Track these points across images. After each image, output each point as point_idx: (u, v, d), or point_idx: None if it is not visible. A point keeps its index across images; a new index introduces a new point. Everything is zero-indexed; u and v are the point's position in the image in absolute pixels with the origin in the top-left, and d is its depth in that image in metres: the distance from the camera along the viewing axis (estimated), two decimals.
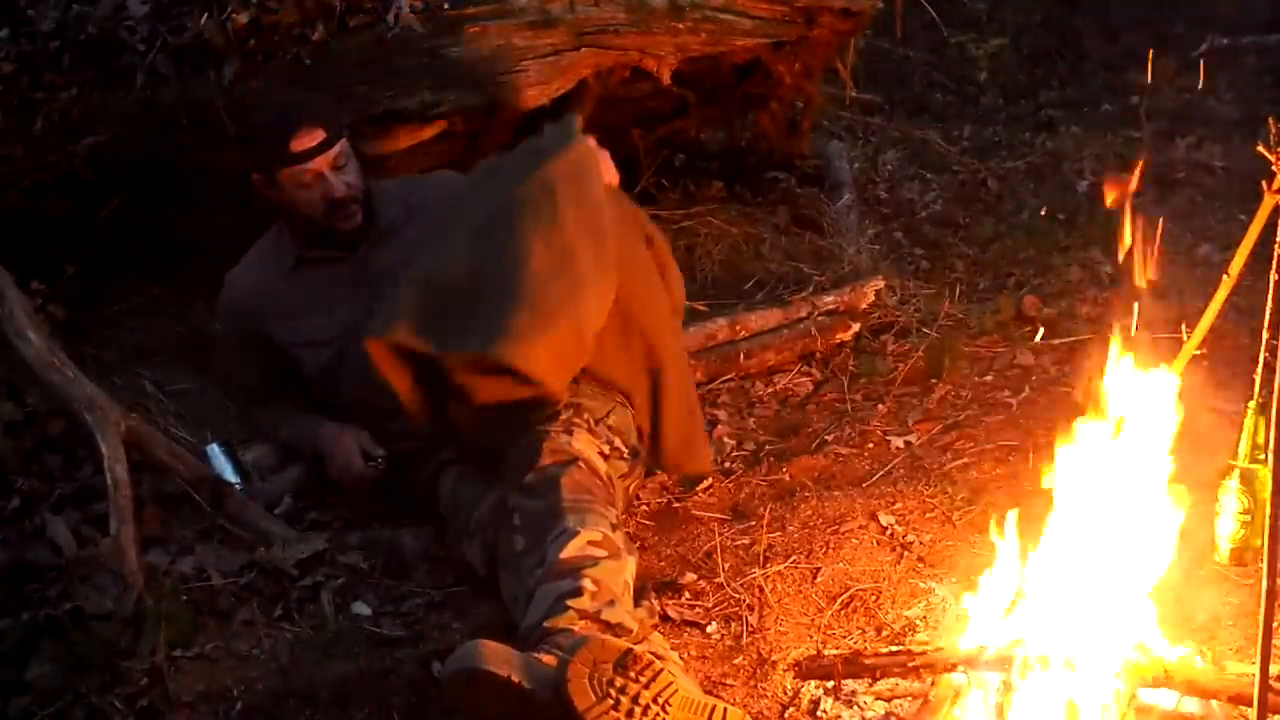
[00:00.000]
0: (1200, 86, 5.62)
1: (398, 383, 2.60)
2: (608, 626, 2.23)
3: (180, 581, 2.57)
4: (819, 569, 2.67)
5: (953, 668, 2.18)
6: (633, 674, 2.07)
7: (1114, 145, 5.14)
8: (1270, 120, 2.28)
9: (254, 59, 3.03)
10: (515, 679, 2.08)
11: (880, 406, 3.38)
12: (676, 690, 2.09)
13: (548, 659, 2.13)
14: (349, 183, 2.85)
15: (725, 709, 2.12)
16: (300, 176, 2.81)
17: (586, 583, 2.28)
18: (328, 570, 2.67)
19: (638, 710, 2.05)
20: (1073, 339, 3.63)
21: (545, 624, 2.22)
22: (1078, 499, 2.27)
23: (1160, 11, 6.49)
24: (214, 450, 2.95)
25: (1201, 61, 5.87)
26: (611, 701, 2.04)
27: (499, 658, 2.10)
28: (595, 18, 3.40)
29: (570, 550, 2.33)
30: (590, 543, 2.35)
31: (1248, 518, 2.57)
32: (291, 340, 2.95)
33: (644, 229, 2.86)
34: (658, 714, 2.06)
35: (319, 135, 2.80)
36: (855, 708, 2.27)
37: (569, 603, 2.24)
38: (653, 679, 2.08)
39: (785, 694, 2.33)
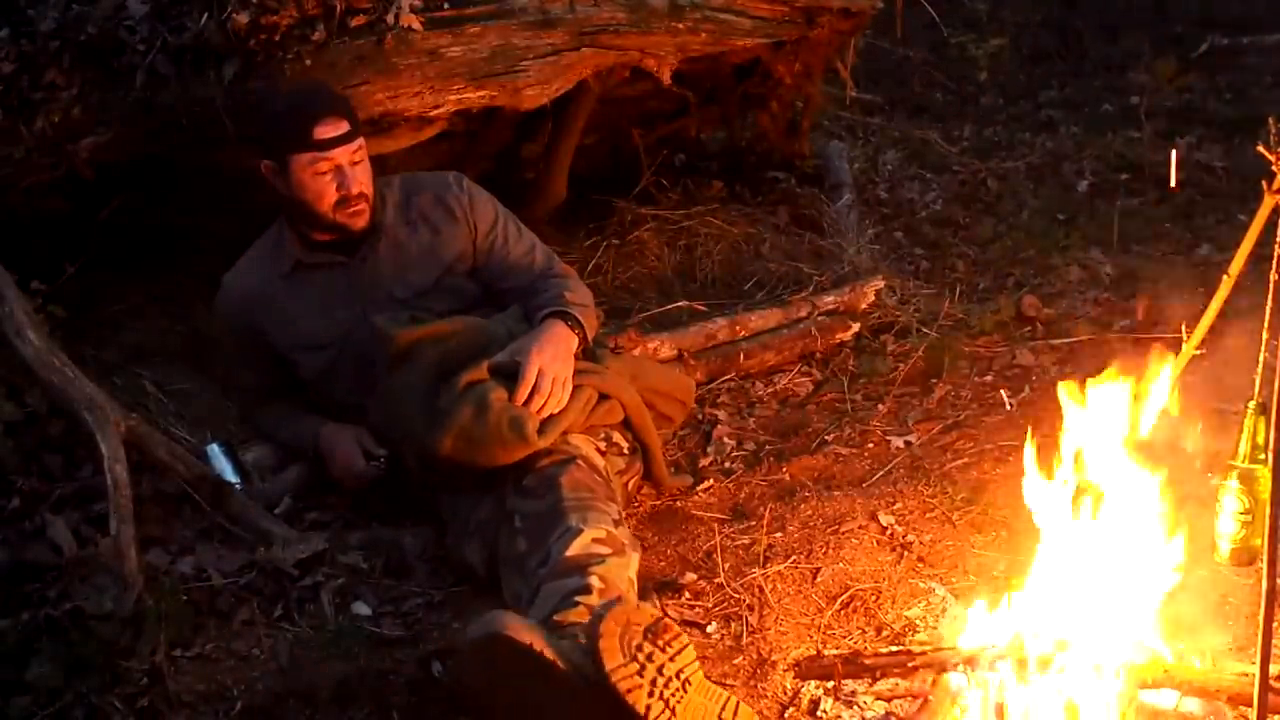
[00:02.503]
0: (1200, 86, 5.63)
1: None
2: None
3: (180, 581, 2.56)
4: (819, 569, 2.67)
5: (953, 668, 2.18)
6: (660, 643, 2.05)
7: (1114, 145, 5.14)
8: (1270, 120, 2.28)
9: (254, 59, 3.03)
10: (537, 647, 2.06)
11: (880, 406, 3.38)
12: (698, 670, 2.08)
13: (572, 628, 2.12)
14: (363, 180, 2.82)
15: (737, 703, 2.11)
16: (318, 165, 2.77)
17: (594, 580, 2.28)
18: (328, 570, 2.66)
19: (661, 681, 2.03)
20: (1073, 339, 3.63)
21: (555, 618, 2.22)
22: (1078, 501, 2.27)
23: (1160, 11, 6.50)
24: (214, 450, 2.95)
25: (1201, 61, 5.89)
26: (638, 666, 2.02)
27: (522, 626, 2.09)
28: (595, 18, 3.40)
29: (575, 548, 2.33)
30: (595, 540, 2.35)
31: (1248, 518, 2.56)
32: (288, 343, 2.95)
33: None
34: (678, 690, 2.04)
35: (343, 125, 2.78)
36: (855, 708, 2.27)
37: (578, 598, 2.24)
38: (678, 653, 2.06)
39: (785, 694, 2.33)
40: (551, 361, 2.70)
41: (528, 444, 2.58)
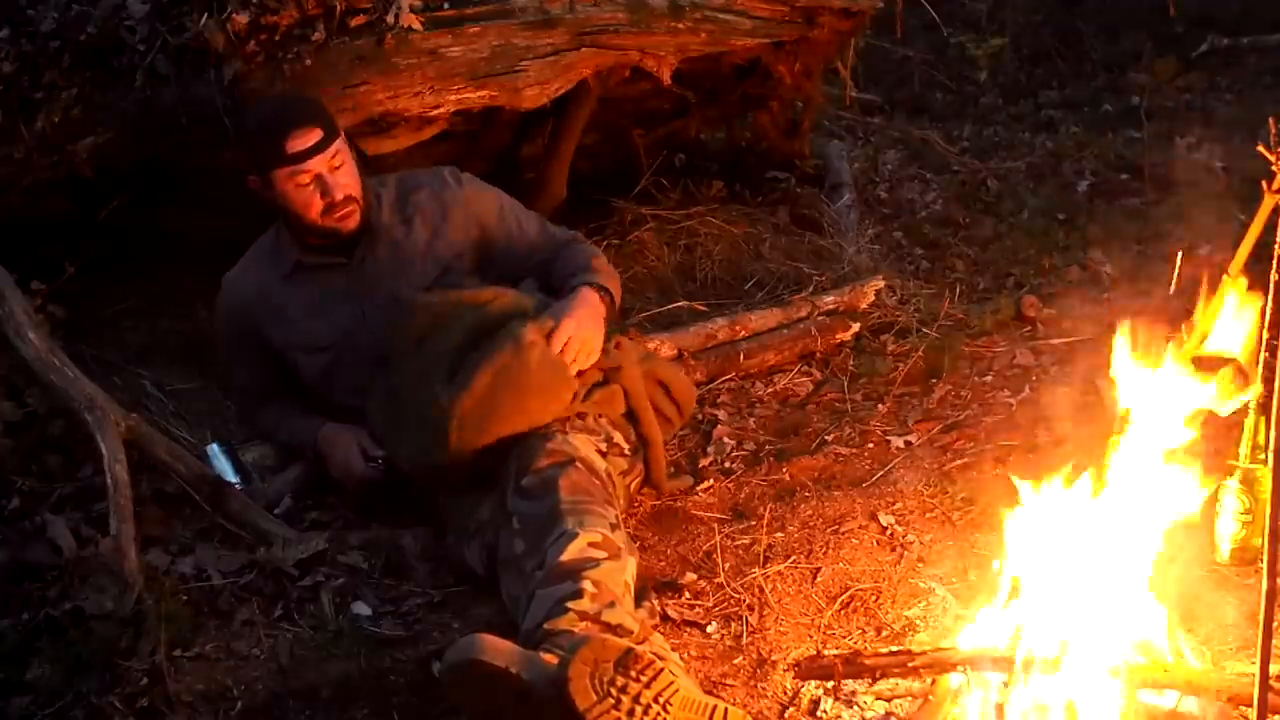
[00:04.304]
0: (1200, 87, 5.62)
1: None
2: (608, 627, 2.23)
3: (180, 581, 2.57)
4: (819, 569, 2.67)
5: (953, 668, 2.18)
6: (633, 673, 2.07)
7: (1114, 145, 5.14)
8: (1270, 120, 2.28)
9: (254, 59, 3.03)
10: (514, 670, 2.08)
11: (880, 406, 3.38)
12: (677, 690, 2.09)
13: (549, 657, 2.13)
14: (347, 183, 2.83)
15: (726, 709, 2.12)
16: (298, 177, 2.78)
17: (586, 584, 2.27)
18: (328, 570, 2.67)
19: (639, 710, 2.05)
20: (1073, 339, 3.63)
21: (546, 626, 2.22)
22: (1078, 500, 2.28)
23: (1160, 11, 6.49)
24: (214, 450, 2.95)
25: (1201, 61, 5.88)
26: (613, 701, 2.04)
27: (498, 650, 2.10)
28: (595, 18, 3.40)
29: (570, 553, 2.33)
30: (590, 544, 2.35)
31: (1248, 518, 2.57)
32: (288, 344, 2.95)
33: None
34: (659, 713, 2.06)
35: (315, 135, 2.78)
36: (855, 708, 2.27)
37: (569, 604, 2.24)
38: (654, 678, 2.07)
39: (785, 694, 2.33)
40: (581, 325, 2.78)
41: (566, 379, 2.65)
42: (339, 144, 2.83)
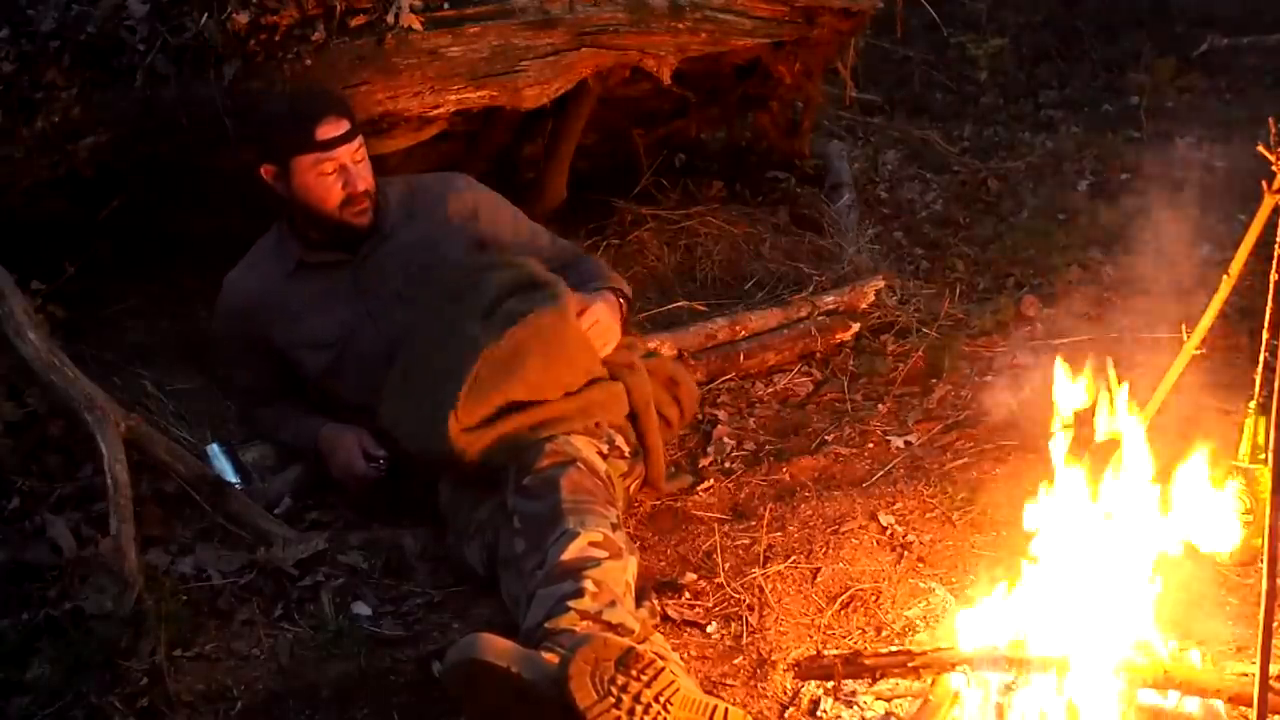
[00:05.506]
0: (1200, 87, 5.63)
1: None
2: (609, 627, 2.23)
3: (180, 581, 2.57)
4: (819, 569, 2.68)
5: (952, 668, 2.18)
6: (634, 672, 2.07)
7: (1114, 145, 5.14)
8: (1270, 120, 2.28)
9: (254, 59, 3.03)
10: (515, 670, 2.08)
11: (880, 406, 3.38)
12: (678, 689, 2.09)
13: (549, 656, 2.13)
14: (367, 176, 2.86)
15: (726, 709, 2.12)
16: (322, 165, 2.80)
17: (588, 584, 2.28)
18: (328, 570, 2.67)
19: (639, 709, 2.05)
20: (1072, 339, 3.63)
21: (546, 625, 2.22)
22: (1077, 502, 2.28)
23: (1160, 11, 6.49)
24: (214, 450, 2.95)
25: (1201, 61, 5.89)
26: (613, 700, 2.04)
27: (499, 650, 2.10)
28: (595, 18, 3.40)
29: (571, 552, 2.33)
30: (591, 543, 2.35)
31: (1248, 518, 2.57)
32: (292, 342, 2.95)
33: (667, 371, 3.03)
34: (659, 713, 2.06)
35: (345, 124, 2.81)
36: (855, 708, 2.27)
37: (570, 603, 2.24)
38: (654, 677, 2.08)
39: (785, 694, 2.33)
40: (607, 315, 2.84)
41: (591, 352, 2.71)
42: (361, 139, 2.86)
